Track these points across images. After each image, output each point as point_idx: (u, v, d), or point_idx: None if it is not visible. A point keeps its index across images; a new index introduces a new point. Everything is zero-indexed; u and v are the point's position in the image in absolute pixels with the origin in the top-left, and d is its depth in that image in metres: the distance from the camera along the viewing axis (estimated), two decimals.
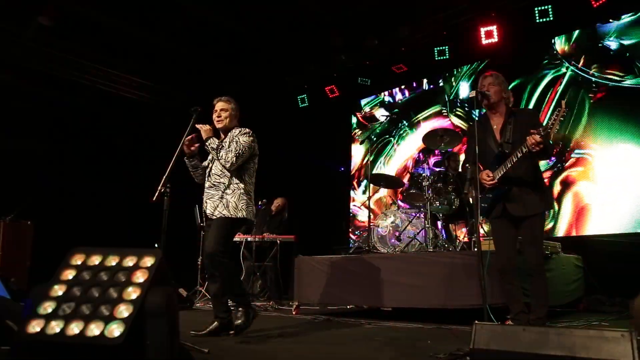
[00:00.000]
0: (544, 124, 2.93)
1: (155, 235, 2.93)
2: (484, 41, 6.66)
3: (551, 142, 3.20)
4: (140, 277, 1.72)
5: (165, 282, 1.85)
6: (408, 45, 7.36)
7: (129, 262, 1.75)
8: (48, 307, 1.62)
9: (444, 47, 7.11)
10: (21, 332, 1.56)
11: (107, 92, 8.28)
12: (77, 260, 1.76)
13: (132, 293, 1.67)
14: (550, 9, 6.17)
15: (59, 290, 1.68)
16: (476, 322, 1.94)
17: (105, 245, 1.87)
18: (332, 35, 7.27)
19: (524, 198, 3.11)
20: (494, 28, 6.57)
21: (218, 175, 3.61)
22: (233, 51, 7.86)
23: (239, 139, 3.56)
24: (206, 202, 3.61)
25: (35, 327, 1.58)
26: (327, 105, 8.57)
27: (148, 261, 1.75)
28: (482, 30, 6.62)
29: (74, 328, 1.58)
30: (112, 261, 1.76)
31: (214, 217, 3.52)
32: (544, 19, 6.23)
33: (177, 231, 4.57)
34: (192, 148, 3.60)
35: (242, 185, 3.58)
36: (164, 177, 2.94)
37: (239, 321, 3.44)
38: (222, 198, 3.52)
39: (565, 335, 1.73)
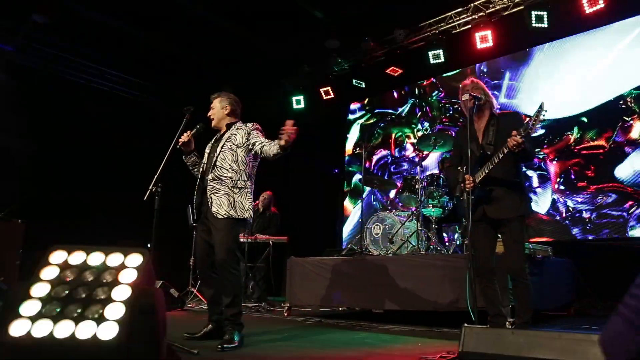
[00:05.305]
0: (524, 124, 2.92)
1: (147, 234, 2.90)
2: (479, 45, 6.67)
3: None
4: (128, 276, 1.68)
5: (152, 281, 1.83)
6: (403, 48, 7.39)
7: (114, 260, 1.71)
8: (32, 307, 1.56)
9: (438, 51, 7.12)
10: (4, 332, 1.51)
11: (102, 91, 8.24)
12: (58, 258, 1.70)
13: (123, 293, 1.62)
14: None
15: (41, 289, 1.61)
16: (465, 325, 1.94)
17: (97, 244, 1.80)
18: (329, 36, 7.28)
19: (502, 201, 3.08)
20: (488, 33, 6.58)
21: (226, 170, 3.35)
22: (228, 52, 7.85)
23: (257, 134, 3.45)
24: (210, 198, 3.30)
25: (20, 328, 1.52)
26: (322, 107, 8.57)
27: (135, 260, 1.71)
28: (477, 35, 6.64)
29: (64, 329, 1.52)
30: (96, 260, 1.71)
31: (219, 217, 3.26)
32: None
33: (168, 231, 4.55)
34: (189, 140, 3.46)
35: (249, 184, 3.40)
36: (155, 176, 2.92)
37: (227, 337, 3.12)
38: (229, 196, 3.29)
39: (553, 339, 1.74)
